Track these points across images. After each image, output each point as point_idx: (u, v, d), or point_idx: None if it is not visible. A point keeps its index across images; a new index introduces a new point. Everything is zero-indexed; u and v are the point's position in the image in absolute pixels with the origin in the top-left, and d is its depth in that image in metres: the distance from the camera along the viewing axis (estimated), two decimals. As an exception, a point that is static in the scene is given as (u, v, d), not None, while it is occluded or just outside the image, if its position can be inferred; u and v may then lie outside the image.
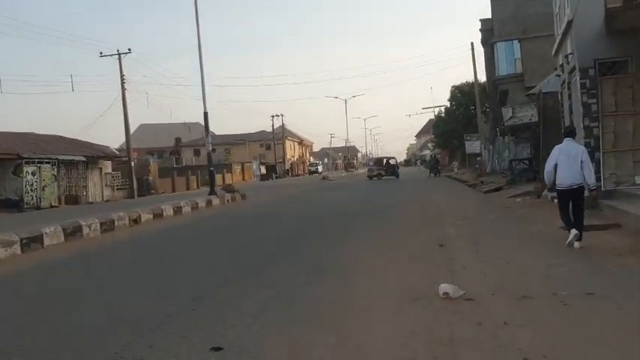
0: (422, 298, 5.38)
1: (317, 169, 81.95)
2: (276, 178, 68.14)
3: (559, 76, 16.81)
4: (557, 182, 7.53)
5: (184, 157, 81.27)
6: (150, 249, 10.36)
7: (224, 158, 74.82)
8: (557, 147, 7.65)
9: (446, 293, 5.21)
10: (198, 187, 48.52)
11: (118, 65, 33.61)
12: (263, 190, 30.81)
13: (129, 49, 33.70)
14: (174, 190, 43.69)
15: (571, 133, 7.73)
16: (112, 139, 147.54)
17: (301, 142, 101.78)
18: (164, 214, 15.37)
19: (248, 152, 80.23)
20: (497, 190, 21.75)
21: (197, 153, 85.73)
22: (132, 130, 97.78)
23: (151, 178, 40.57)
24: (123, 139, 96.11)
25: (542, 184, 9.76)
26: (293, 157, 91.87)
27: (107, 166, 32.20)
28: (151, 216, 14.64)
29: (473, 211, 13.93)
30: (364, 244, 8.92)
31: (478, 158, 43.87)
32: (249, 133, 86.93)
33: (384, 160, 44.91)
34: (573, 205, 7.49)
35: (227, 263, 8.21)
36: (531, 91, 20.58)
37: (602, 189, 12.13)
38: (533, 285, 5.73)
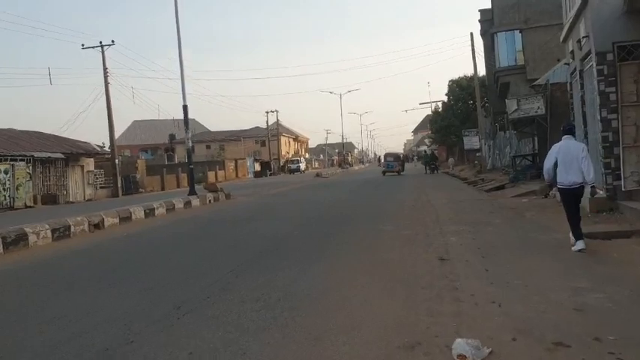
0: (416, 346, 3.96)
1: (298, 166, 70.43)
2: (271, 174, 66.61)
3: (568, 64, 15.39)
4: (558, 180, 7.38)
5: (177, 154, 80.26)
6: (90, 266, 8.56)
7: (217, 155, 73.28)
8: (556, 145, 7.50)
9: (462, 357, 3.60)
10: (188, 185, 47.14)
11: (102, 58, 32.03)
12: (251, 189, 29.32)
13: (112, 41, 32.18)
14: (163, 189, 42.23)
15: (570, 130, 7.55)
16: (105, 136, 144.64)
17: (296, 138, 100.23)
18: (133, 217, 13.85)
19: (243, 149, 78.71)
20: (499, 188, 20.35)
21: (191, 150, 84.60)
22: (125, 127, 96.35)
23: (138, 175, 39.06)
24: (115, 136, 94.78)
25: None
26: (288, 153, 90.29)
27: (89, 163, 30.66)
28: (117, 220, 13.13)
29: (475, 213, 12.51)
30: (346, 262, 7.40)
31: (477, 154, 42.71)
32: (243, 130, 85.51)
33: (401, 155, 47.18)
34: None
35: (157, 297, 5.92)
36: (537, 82, 19.16)
37: (623, 189, 10.77)
38: (565, 323, 4.32)
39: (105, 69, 32.07)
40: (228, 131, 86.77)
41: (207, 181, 30.61)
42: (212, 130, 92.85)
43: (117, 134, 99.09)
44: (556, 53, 27.97)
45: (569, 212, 7.32)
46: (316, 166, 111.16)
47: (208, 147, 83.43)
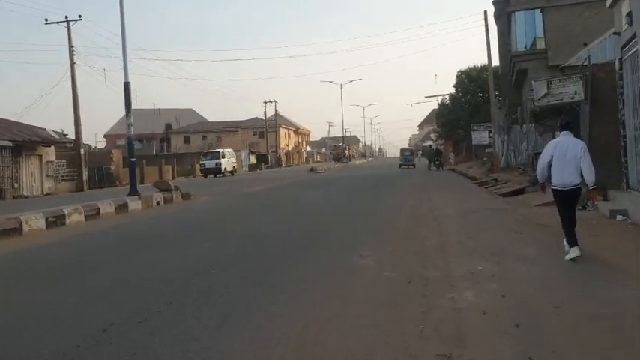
0: None
1: (217, 165, 45.58)
2: (267, 168, 63.03)
3: (619, 34, 11.64)
4: (552, 182, 6.72)
5: (174, 144, 76.80)
6: None
7: (208, 147, 69.77)
8: (552, 141, 7.07)
9: None
10: (173, 178, 43.64)
11: (67, 34, 28.44)
12: (228, 186, 25.71)
13: (79, 16, 28.51)
14: (142, 182, 38.70)
15: (568, 125, 6.95)
16: (101, 124, 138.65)
17: (297, 130, 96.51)
18: (24, 229, 10.17)
19: (240, 140, 75.10)
20: (517, 192, 16.69)
21: (187, 140, 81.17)
22: (119, 116, 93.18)
23: (113, 167, 35.53)
24: (109, 126, 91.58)
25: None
26: (287, 146, 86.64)
27: (49, 153, 27.07)
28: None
29: (495, 234, 8.88)
30: (282, 349, 3.86)
31: (487, 150, 39.09)
32: (241, 121, 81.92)
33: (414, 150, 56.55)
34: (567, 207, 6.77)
35: None
36: (570, 61, 15.44)
37: None
38: None
39: (71, 47, 28.50)
40: (225, 122, 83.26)
41: (160, 178, 26.77)
42: (211, 120, 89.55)
43: (111, 123, 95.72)
44: (582, 37, 24.32)
45: (564, 217, 6.74)
46: (318, 160, 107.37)
47: (204, 138, 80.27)
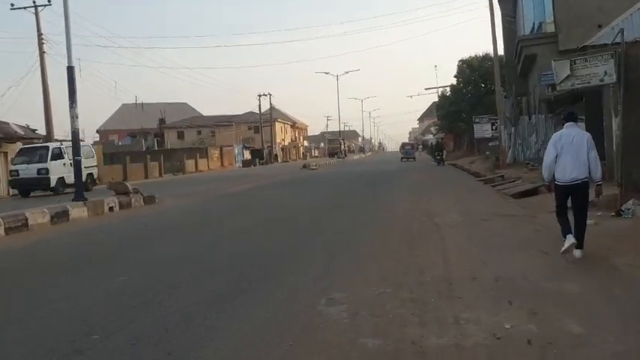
0: None
1: (43, 170, 22.71)
2: (262, 164, 60.83)
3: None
4: (556, 177, 6.34)
5: (167, 139, 74.47)
6: None
7: (204, 142, 67.47)
8: (556, 134, 6.57)
9: None
10: (160, 175, 41.51)
11: (35, 21, 26.19)
12: (210, 184, 23.50)
13: (48, 1, 26.18)
14: (126, 180, 36.57)
15: (571, 116, 6.57)
16: (87, 119, 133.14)
17: (294, 124, 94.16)
18: None
19: (235, 134, 72.83)
20: (529, 192, 14.53)
21: (181, 136, 78.97)
22: (114, 110, 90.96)
23: (93, 165, 33.26)
24: (102, 121, 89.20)
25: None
26: (283, 140, 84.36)
27: (15, 150, 24.83)
28: None
29: (518, 259, 6.70)
30: None
31: (490, 144, 36.98)
32: (236, 115, 79.68)
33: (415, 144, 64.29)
34: (575, 204, 6.37)
35: None
36: (592, 40, 13.19)
37: None
38: None
39: (39, 35, 26.26)
40: (219, 116, 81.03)
41: (112, 179, 24.05)
42: (206, 115, 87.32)
43: (104, 118, 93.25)
44: (597, 18, 22.12)
45: (561, 207, 6.40)
46: (316, 155, 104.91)
47: (199, 132, 78.18)
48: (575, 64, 10.70)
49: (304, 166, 39.77)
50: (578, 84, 10.72)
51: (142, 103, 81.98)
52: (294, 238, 8.92)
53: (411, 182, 20.87)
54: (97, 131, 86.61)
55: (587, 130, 15.78)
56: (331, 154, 79.71)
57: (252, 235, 9.38)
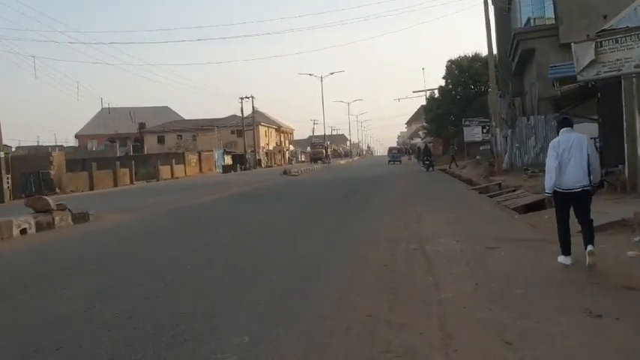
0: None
1: None
2: (244, 169, 58.18)
3: None
4: (556, 184, 6.03)
5: (147, 144, 71.56)
6: None
7: (181, 146, 64.75)
8: (554, 140, 6.20)
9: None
10: (132, 183, 38.78)
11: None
12: (171, 195, 20.90)
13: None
14: (92, 188, 33.79)
15: (566, 121, 6.24)
16: (58, 124, 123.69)
17: (279, 128, 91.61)
18: None
19: (217, 139, 70.10)
20: (536, 206, 12.18)
21: (161, 140, 76.21)
22: (94, 114, 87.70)
23: (53, 172, 30.66)
24: (79, 127, 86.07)
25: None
26: (268, 145, 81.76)
27: None
28: None
29: (544, 315, 4.33)
30: None
31: (481, 148, 34.99)
32: (219, 118, 76.97)
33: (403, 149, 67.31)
34: (578, 213, 6.03)
35: None
36: (611, 24, 10.87)
37: None
38: None
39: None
40: (201, 119, 78.35)
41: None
42: (187, 118, 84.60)
43: (82, 123, 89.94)
44: (602, 7, 20.09)
45: (563, 222, 6.14)
46: (302, 159, 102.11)
47: (180, 137, 75.52)
48: (601, 46, 8.43)
49: (285, 172, 37.26)
50: (605, 72, 8.44)
51: (121, 107, 79.08)
52: (220, 288, 6.33)
53: (398, 193, 18.48)
54: (76, 136, 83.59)
55: (601, 132, 13.53)
56: (314, 159, 76.63)
57: (166, 280, 6.68)
